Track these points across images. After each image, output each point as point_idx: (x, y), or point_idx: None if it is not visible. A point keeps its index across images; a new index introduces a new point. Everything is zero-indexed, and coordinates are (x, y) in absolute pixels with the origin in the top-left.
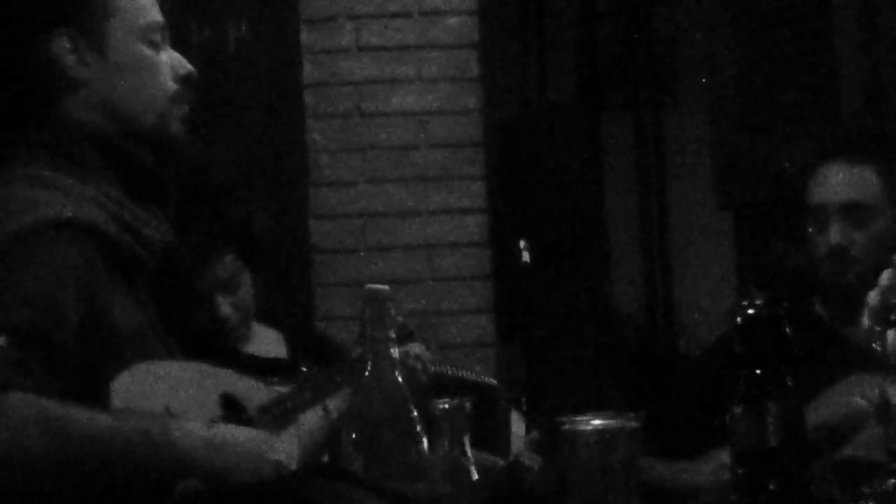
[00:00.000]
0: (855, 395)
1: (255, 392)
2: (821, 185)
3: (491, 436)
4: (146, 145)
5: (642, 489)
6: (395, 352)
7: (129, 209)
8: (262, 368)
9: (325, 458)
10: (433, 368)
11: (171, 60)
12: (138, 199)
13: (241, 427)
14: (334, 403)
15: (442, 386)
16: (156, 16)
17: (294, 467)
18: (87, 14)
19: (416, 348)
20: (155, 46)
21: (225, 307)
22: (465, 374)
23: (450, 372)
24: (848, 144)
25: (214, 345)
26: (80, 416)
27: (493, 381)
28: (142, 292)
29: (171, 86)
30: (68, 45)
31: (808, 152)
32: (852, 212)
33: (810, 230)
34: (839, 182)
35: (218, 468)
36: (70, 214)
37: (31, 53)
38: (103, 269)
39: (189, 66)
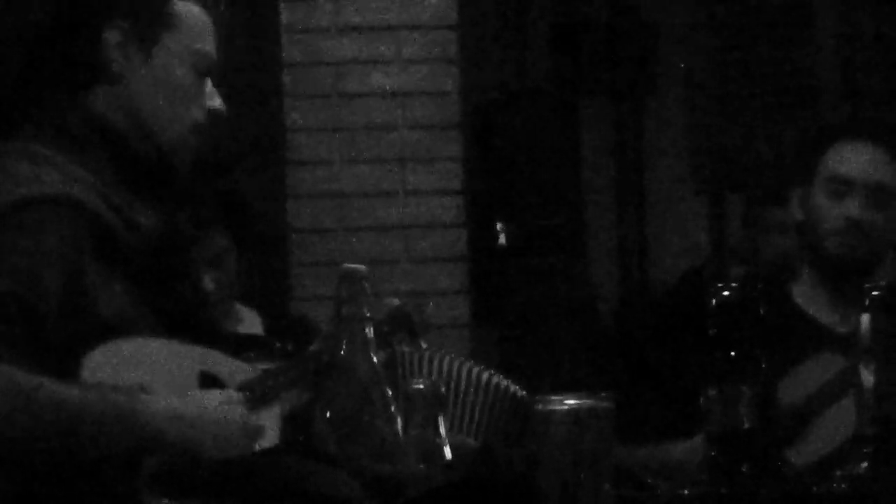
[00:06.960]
0: (818, 376)
1: (235, 371)
2: (847, 159)
3: (516, 446)
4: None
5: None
6: (369, 331)
7: (121, 195)
8: (240, 345)
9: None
10: (479, 373)
11: (206, 94)
12: (133, 187)
13: (215, 391)
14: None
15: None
16: (210, 48)
17: (272, 444)
18: (148, 16)
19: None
20: (198, 76)
21: (208, 281)
22: (501, 382)
23: (486, 377)
24: (871, 125)
25: (196, 321)
26: (50, 388)
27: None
28: (130, 276)
29: (198, 116)
30: (119, 39)
31: (784, 138)
32: (877, 192)
33: (819, 202)
34: (868, 161)
35: (188, 442)
36: (61, 191)
37: (82, 37)
38: (91, 249)
39: (220, 102)
